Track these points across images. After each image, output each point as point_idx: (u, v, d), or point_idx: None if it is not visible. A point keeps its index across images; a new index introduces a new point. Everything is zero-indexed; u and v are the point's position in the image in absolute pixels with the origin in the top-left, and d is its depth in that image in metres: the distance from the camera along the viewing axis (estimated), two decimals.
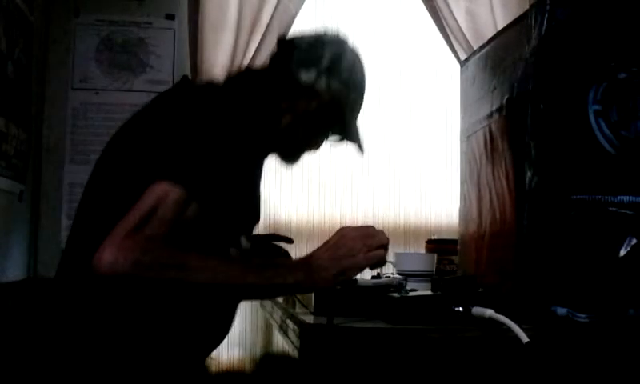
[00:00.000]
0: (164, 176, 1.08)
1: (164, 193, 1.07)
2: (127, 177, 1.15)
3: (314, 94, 1.34)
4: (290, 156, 1.43)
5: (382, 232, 1.19)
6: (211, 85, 1.40)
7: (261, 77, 1.37)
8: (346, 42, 1.41)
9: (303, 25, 2.54)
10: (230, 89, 1.33)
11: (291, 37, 1.40)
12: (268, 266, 1.18)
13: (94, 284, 1.08)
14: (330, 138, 1.43)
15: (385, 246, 1.18)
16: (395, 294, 1.28)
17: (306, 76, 1.34)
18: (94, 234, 1.07)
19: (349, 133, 1.42)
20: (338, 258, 1.14)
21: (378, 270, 1.66)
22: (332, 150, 1.53)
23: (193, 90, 1.34)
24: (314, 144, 1.43)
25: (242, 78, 1.39)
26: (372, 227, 1.19)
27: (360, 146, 1.43)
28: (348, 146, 1.46)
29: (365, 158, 1.49)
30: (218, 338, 1.33)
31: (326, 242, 1.17)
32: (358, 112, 1.43)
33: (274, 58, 1.40)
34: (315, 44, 1.37)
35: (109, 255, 1.02)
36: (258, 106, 1.29)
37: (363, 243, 1.15)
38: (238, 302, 1.42)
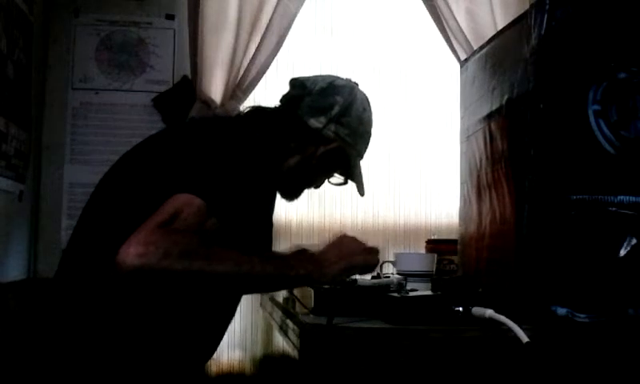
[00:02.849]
0: (186, 189, 1.10)
1: (187, 200, 1.09)
2: (147, 190, 1.17)
3: (323, 139, 1.40)
4: (292, 193, 1.48)
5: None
6: (224, 118, 1.43)
7: (272, 116, 1.41)
8: (357, 90, 1.45)
9: (303, 25, 2.54)
10: (244, 123, 1.37)
11: (303, 79, 1.44)
12: (281, 257, 1.24)
13: (98, 285, 1.09)
14: (333, 179, 1.50)
15: (377, 251, 1.30)
16: (395, 294, 1.28)
17: (316, 122, 1.39)
18: (107, 240, 1.09)
19: (352, 176, 1.48)
20: (342, 255, 1.24)
21: (378, 270, 1.67)
22: None
23: (211, 120, 1.38)
24: (317, 184, 1.50)
25: (253, 116, 1.42)
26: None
27: (361, 188, 1.48)
28: (349, 187, 1.52)
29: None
30: (217, 340, 1.33)
31: (329, 244, 1.27)
32: (362, 157, 1.49)
33: (285, 98, 1.44)
34: (327, 90, 1.41)
35: (138, 248, 1.01)
36: (270, 142, 1.32)
37: (361, 246, 1.27)
38: (251, 293, 1.52)
